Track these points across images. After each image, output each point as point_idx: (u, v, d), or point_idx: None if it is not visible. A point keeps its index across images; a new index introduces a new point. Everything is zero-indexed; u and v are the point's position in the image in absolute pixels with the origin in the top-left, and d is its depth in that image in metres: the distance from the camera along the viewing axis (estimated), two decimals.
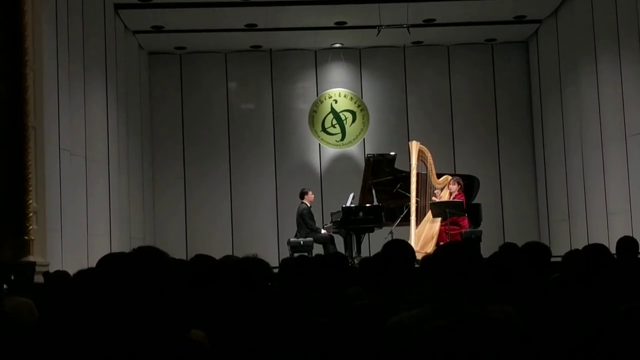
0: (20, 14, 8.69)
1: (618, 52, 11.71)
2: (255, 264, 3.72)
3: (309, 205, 12.50)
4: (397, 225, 11.79)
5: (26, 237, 8.47)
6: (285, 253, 12.69)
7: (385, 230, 11.81)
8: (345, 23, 14.16)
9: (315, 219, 12.61)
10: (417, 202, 11.73)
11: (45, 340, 3.12)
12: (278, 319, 2.72)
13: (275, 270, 5.29)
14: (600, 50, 12.34)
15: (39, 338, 3.38)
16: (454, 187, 11.66)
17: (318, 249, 12.09)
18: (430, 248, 11.12)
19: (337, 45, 15.37)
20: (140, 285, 2.29)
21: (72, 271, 5.55)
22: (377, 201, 11.71)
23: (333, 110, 15.53)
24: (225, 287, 3.89)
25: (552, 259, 4.80)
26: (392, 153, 12.32)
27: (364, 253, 11.67)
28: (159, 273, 2.32)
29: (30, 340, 3.21)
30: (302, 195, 12.59)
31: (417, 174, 11.86)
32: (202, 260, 4.32)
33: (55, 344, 2.57)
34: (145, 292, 2.28)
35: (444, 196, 11.72)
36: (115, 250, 11.27)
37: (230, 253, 11.32)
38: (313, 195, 12.79)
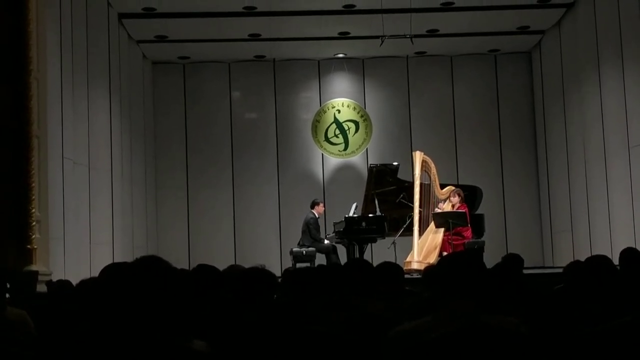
0: (24, 23, 8.72)
1: (621, 63, 11.72)
2: (261, 274, 3.72)
3: (317, 215, 12.52)
4: (399, 236, 11.76)
5: (29, 246, 8.47)
6: (288, 263, 12.69)
7: (388, 240, 11.79)
8: (348, 33, 14.18)
9: (320, 229, 12.60)
10: (420, 212, 11.70)
11: (47, 349, 3.12)
12: (279, 328, 2.72)
13: (278, 280, 5.28)
14: (603, 61, 12.34)
15: (39, 347, 3.38)
16: (455, 200, 11.63)
17: (321, 259, 12.08)
18: (433, 258, 11.09)
19: (341, 55, 15.39)
20: (143, 295, 2.29)
21: (74, 280, 5.56)
22: (380, 211, 11.69)
23: (336, 120, 15.54)
24: (229, 296, 3.88)
25: (555, 270, 4.82)
26: (395, 163, 12.31)
27: None
28: (161, 282, 2.32)
29: (29, 350, 3.20)
30: (313, 205, 12.61)
31: (421, 184, 11.84)
32: (205, 270, 4.32)
33: (57, 353, 2.56)
34: (148, 302, 2.28)
35: (446, 208, 11.70)
36: (118, 259, 11.28)
37: (233, 262, 11.31)
38: (323, 208, 12.80)
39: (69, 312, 4.08)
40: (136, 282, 2.31)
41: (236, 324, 3.11)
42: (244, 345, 2.62)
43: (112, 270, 2.82)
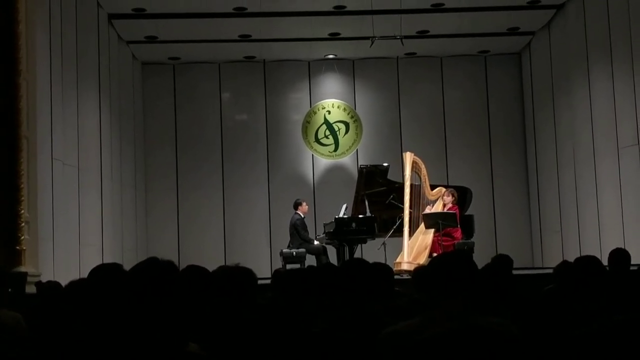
0: (14, 23, 8.68)
1: (610, 64, 11.77)
2: (238, 272, 3.69)
3: (302, 216, 12.50)
4: (390, 237, 11.77)
5: (18, 247, 8.43)
6: (278, 264, 12.67)
7: (378, 241, 11.79)
8: (338, 34, 14.19)
9: (308, 229, 12.60)
10: (410, 213, 11.71)
11: (38, 350, 3.11)
12: (272, 328, 2.72)
13: (268, 282, 5.28)
14: (592, 63, 12.39)
15: (30, 348, 3.36)
16: (448, 199, 11.64)
17: (311, 260, 12.07)
18: (423, 259, 11.10)
19: (331, 56, 15.39)
20: (139, 297, 2.28)
21: (63, 281, 5.54)
22: (370, 212, 11.69)
23: (326, 121, 15.55)
24: (215, 298, 3.87)
25: (545, 271, 4.84)
26: (385, 164, 12.32)
27: None
28: (157, 285, 2.32)
29: (21, 351, 3.19)
30: (296, 205, 12.59)
31: (411, 185, 11.85)
32: (194, 271, 4.30)
33: (48, 355, 2.55)
34: (145, 304, 2.27)
35: (438, 208, 11.70)
36: (107, 260, 11.24)
37: (223, 263, 11.29)
38: (307, 206, 12.79)
39: (59, 313, 4.07)
40: (133, 284, 2.31)
41: (228, 325, 3.10)
42: (237, 346, 2.62)
43: (102, 272, 2.81)
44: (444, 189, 11.85)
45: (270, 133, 15.41)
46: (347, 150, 15.52)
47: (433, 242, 11.38)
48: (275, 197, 15.16)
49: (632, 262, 5.67)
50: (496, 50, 15.47)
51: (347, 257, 11.65)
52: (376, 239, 11.79)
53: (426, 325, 2.66)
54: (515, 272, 6.37)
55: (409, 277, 10.20)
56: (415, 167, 11.90)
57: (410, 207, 11.71)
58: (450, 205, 11.60)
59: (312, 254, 12.26)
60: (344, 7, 12.99)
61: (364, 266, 3.94)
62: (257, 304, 3.55)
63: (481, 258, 8.12)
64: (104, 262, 9.63)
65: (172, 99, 15.37)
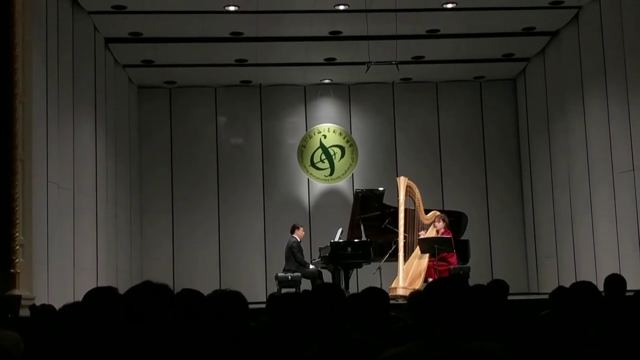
0: (10, 46, 8.70)
1: (605, 90, 11.82)
2: (228, 296, 3.67)
3: (298, 239, 12.49)
4: (385, 261, 11.73)
5: (12, 270, 8.40)
6: (273, 288, 12.63)
7: (374, 265, 11.76)
8: (334, 59, 14.25)
9: (303, 253, 12.57)
10: (405, 237, 11.68)
11: None
12: (266, 353, 2.71)
13: (263, 306, 5.26)
14: (587, 88, 12.44)
15: None
16: (440, 225, 11.62)
17: (306, 284, 12.04)
18: (418, 284, 11.07)
19: (327, 81, 15.45)
20: (139, 321, 2.27)
21: (58, 305, 5.51)
22: (366, 236, 11.69)
23: (322, 146, 15.57)
24: (207, 321, 3.84)
25: (540, 297, 4.83)
26: (381, 188, 12.32)
27: (352, 289, 11.64)
28: (159, 309, 2.31)
29: None
30: (293, 229, 12.59)
31: (405, 210, 11.83)
32: (189, 295, 4.28)
33: None
34: (142, 328, 2.27)
35: (431, 233, 11.68)
36: (101, 283, 11.19)
37: (218, 287, 11.25)
38: (304, 233, 12.78)
39: (53, 337, 4.05)
40: (127, 308, 2.30)
41: (220, 349, 3.09)
42: None
43: (96, 295, 2.80)
44: (438, 213, 11.84)
45: (266, 157, 15.42)
46: (342, 175, 15.53)
47: (428, 267, 11.35)
48: (271, 221, 15.15)
49: (628, 288, 5.66)
50: (491, 76, 15.54)
51: (342, 281, 11.64)
52: (372, 263, 11.77)
53: (421, 351, 2.65)
54: (510, 297, 6.36)
55: (404, 302, 10.17)
56: (409, 191, 11.88)
57: (405, 232, 11.69)
58: (442, 230, 11.58)
59: (307, 278, 12.23)
60: (340, 32, 13.05)
61: (332, 293, 3.88)
62: (250, 328, 3.53)
63: (476, 283, 8.09)
64: (99, 284, 9.63)
65: (168, 122, 15.38)
